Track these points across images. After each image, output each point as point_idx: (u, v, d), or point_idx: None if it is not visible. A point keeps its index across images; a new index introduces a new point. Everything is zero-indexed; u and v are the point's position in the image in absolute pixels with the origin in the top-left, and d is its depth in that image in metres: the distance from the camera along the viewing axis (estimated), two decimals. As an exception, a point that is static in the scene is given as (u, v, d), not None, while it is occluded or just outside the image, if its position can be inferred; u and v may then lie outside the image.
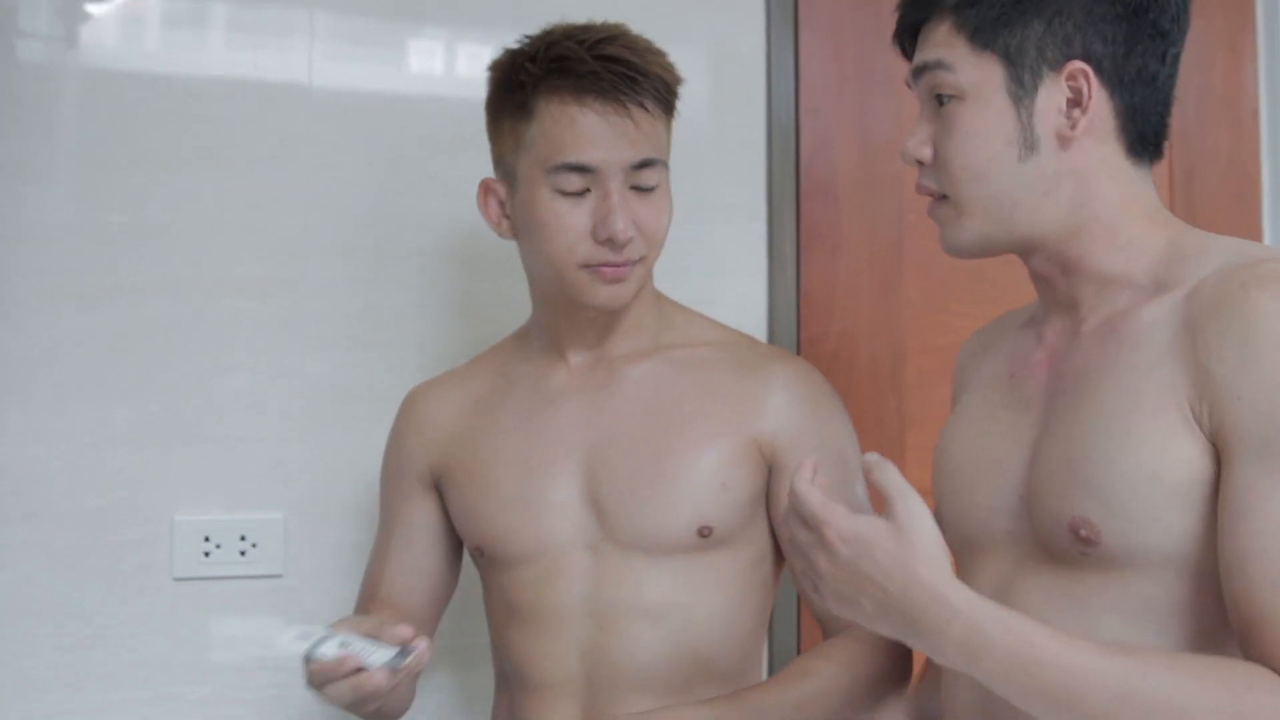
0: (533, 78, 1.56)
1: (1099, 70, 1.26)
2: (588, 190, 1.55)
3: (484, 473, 1.66)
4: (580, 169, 1.54)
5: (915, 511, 1.14)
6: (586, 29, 1.58)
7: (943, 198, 1.31)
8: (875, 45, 2.27)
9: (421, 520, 1.74)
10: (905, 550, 1.12)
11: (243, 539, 1.97)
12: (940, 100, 1.29)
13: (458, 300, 2.08)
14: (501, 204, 1.65)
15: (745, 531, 1.62)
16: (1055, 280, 1.32)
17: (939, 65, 1.28)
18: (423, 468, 1.73)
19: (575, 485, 1.62)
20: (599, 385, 1.66)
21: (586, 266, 1.56)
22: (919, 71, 1.31)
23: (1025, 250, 1.32)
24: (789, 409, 1.63)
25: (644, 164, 1.57)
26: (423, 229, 2.08)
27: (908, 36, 1.36)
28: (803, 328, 2.21)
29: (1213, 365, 1.14)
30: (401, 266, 2.06)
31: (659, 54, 1.61)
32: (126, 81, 1.98)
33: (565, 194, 1.55)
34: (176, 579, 1.96)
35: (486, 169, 2.08)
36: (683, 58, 2.15)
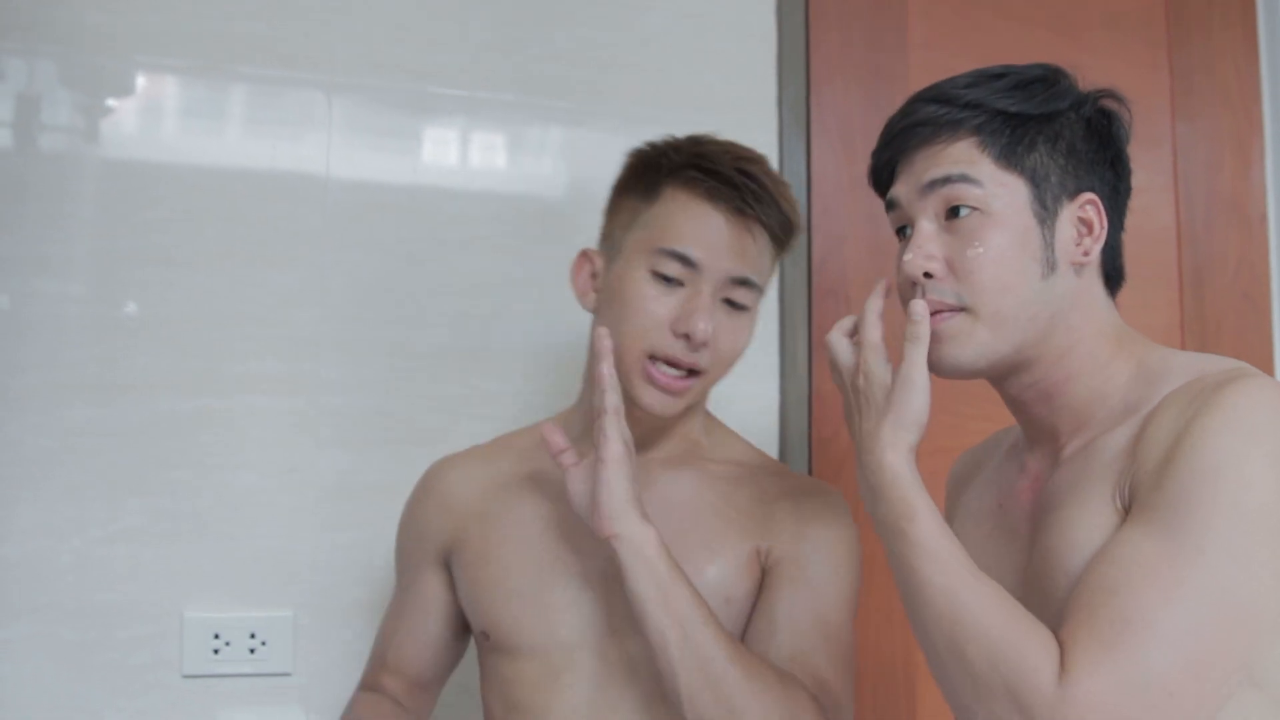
0: (671, 164, 1.58)
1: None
2: (681, 286, 1.54)
3: (497, 558, 1.64)
4: (684, 259, 1.53)
5: (907, 385, 1.28)
6: (738, 145, 1.61)
7: (959, 310, 1.31)
8: (886, 146, 2.30)
9: (432, 593, 1.73)
10: (886, 407, 1.28)
11: (252, 636, 1.97)
12: (955, 213, 1.31)
13: (469, 398, 2.09)
14: (594, 274, 1.64)
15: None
16: (1034, 407, 1.36)
17: (963, 179, 1.31)
18: (437, 543, 1.71)
19: (590, 586, 1.60)
20: None
21: (652, 358, 1.54)
22: (935, 184, 1.32)
23: (1012, 370, 1.34)
24: (795, 525, 1.60)
25: (744, 281, 1.56)
26: (435, 326, 2.09)
27: (900, 154, 1.39)
28: (814, 429, 2.21)
29: (1140, 451, 1.20)
30: (413, 364, 2.08)
31: (791, 196, 1.61)
32: (143, 172, 2.01)
33: (660, 279, 1.54)
34: (186, 676, 1.95)
35: (498, 265, 2.11)
36: (696, 160, 2.19)
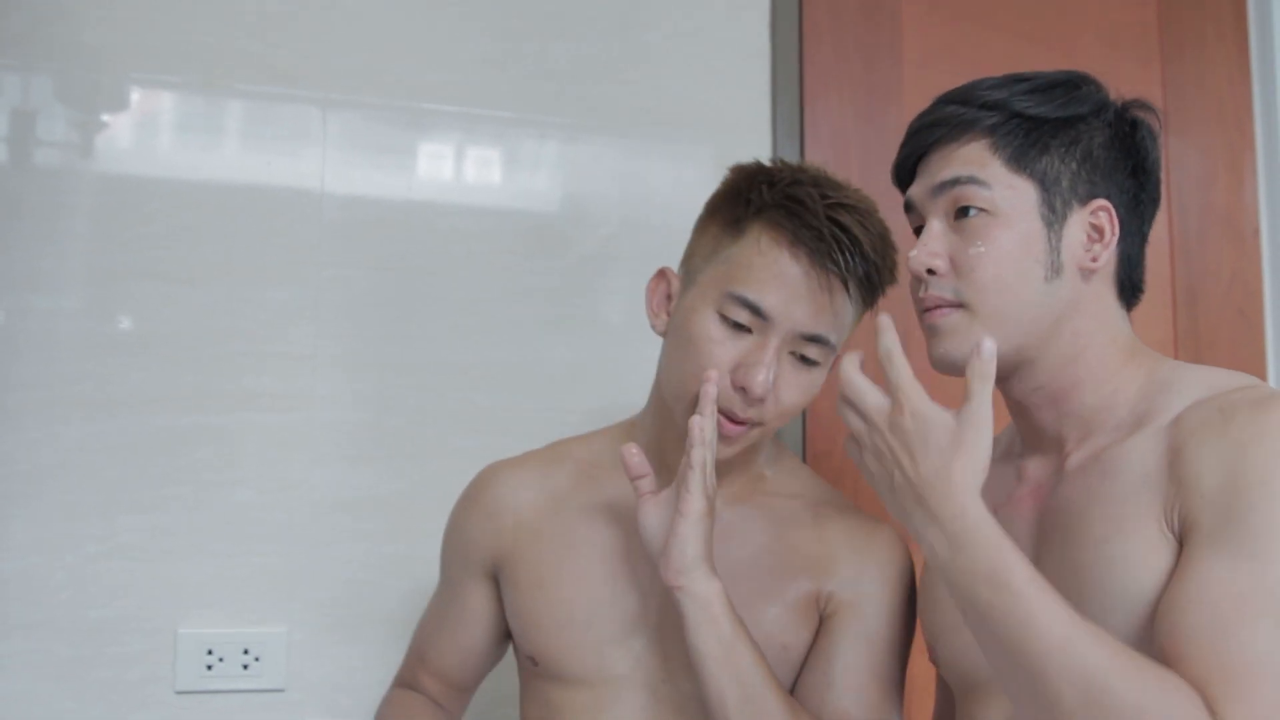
0: (761, 201, 1.48)
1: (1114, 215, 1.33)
2: (749, 333, 1.46)
3: (552, 583, 1.59)
4: (755, 309, 1.45)
5: (978, 423, 1.16)
6: (838, 186, 1.50)
7: (956, 306, 1.32)
8: (878, 160, 2.30)
9: (476, 604, 1.69)
10: (954, 447, 1.16)
11: (246, 652, 1.96)
12: (964, 213, 1.32)
13: (464, 415, 2.09)
14: (669, 297, 1.57)
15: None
16: (1040, 412, 1.35)
17: (972, 180, 1.32)
18: (485, 556, 1.66)
19: (645, 622, 1.56)
20: None
21: None
22: (945, 185, 1.33)
23: (1014, 371, 1.33)
24: (853, 568, 1.56)
25: (815, 339, 1.47)
26: (430, 341, 2.09)
27: (921, 152, 1.39)
28: (809, 444, 2.21)
29: (1188, 476, 1.18)
30: (407, 380, 2.07)
31: (890, 247, 1.51)
32: (138, 188, 2.01)
33: (726, 324, 1.46)
34: (179, 692, 1.95)
35: (489, 282, 2.11)
36: (690, 176, 2.20)
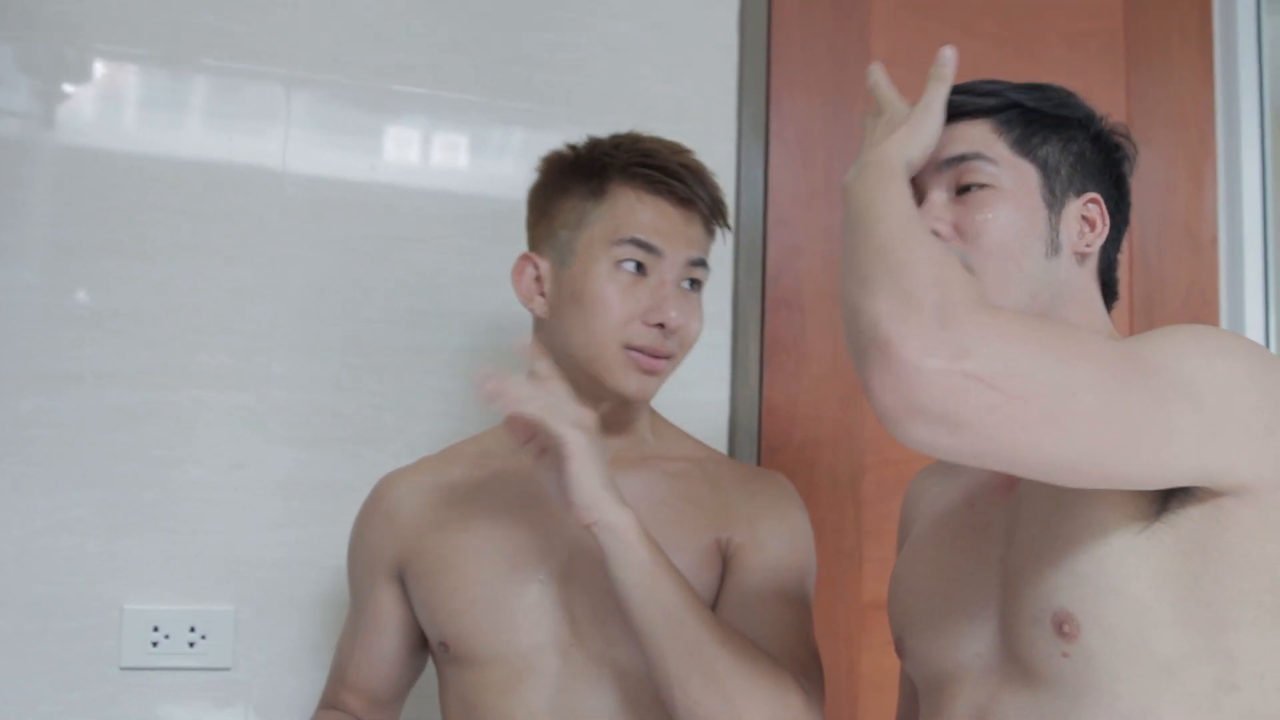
0: (616, 162, 1.63)
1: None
2: (645, 276, 1.60)
3: (454, 566, 1.63)
4: (648, 247, 1.59)
5: (922, 111, 1.32)
6: (663, 139, 1.69)
7: None
8: (843, 157, 2.31)
9: (386, 611, 1.72)
10: (900, 124, 1.30)
11: (192, 630, 1.96)
12: (966, 190, 1.35)
13: (422, 397, 2.08)
14: (539, 279, 1.65)
15: None
16: None
17: (979, 156, 1.35)
18: (388, 560, 1.70)
19: (550, 589, 1.60)
20: None
21: (629, 348, 1.58)
22: (953, 161, 1.36)
23: None
24: (752, 512, 1.63)
25: (700, 262, 1.64)
26: (388, 324, 2.08)
27: None
28: (764, 438, 2.22)
29: None
30: (365, 361, 2.07)
31: (717, 183, 1.70)
32: (99, 161, 1.99)
33: (623, 272, 1.59)
34: (124, 668, 1.94)
35: (458, 263, 2.11)
36: (654, 164, 2.19)
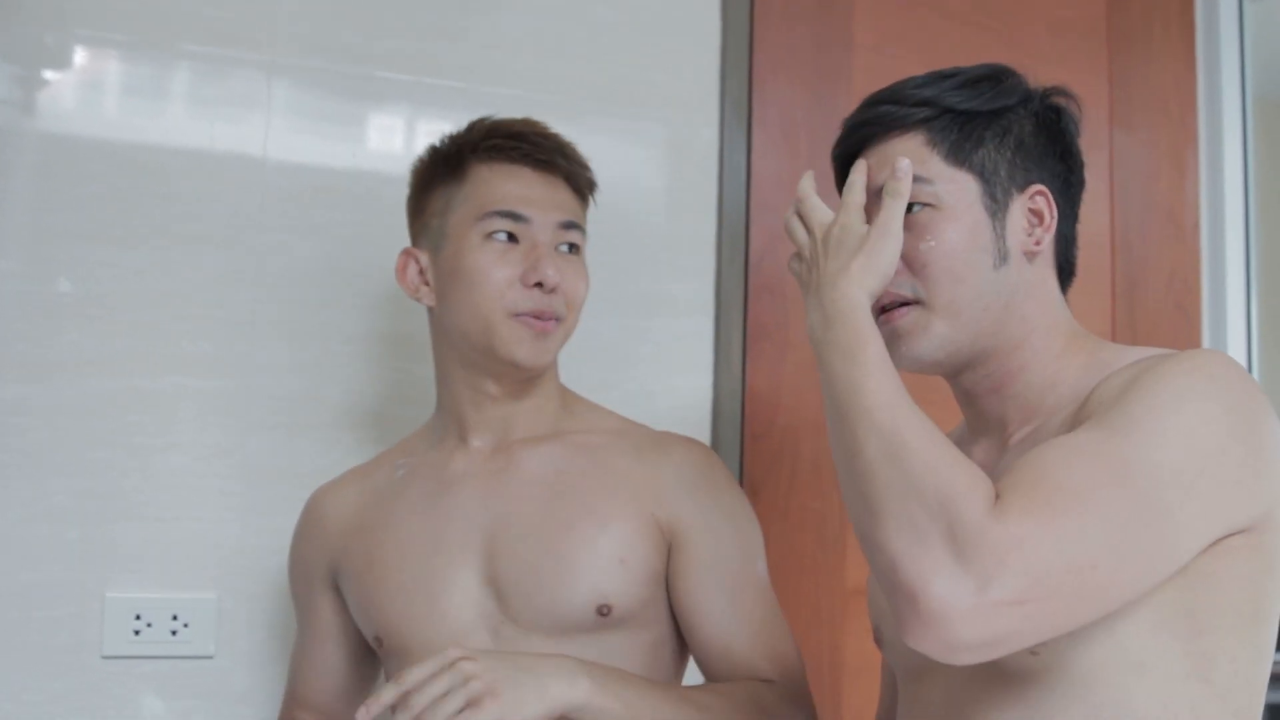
0: (470, 144, 1.68)
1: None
2: (516, 243, 1.63)
3: (381, 560, 1.66)
4: (513, 216, 1.62)
5: (882, 232, 1.30)
6: (521, 118, 1.72)
7: (912, 303, 1.34)
8: (827, 145, 2.29)
9: (326, 619, 1.76)
10: (858, 249, 1.30)
11: (174, 618, 1.95)
12: (908, 210, 1.33)
13: (401, 384, 2.08)
14: (421, 271, 1.69)
15: (645, 612, 1.61)
16: (985, 399, 1.38)
17: (914, 178, 1.33)
18: (321, 568, 1.74)
19: (474, 567, 1.61)
20: (499, 469, 1.67)
21: (515, 315, 1.61)
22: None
23: (971, 361, 1.36)
24: (687, 488, 1.64)
25: (571, 224, 1.67)
26: (370, 311, 2.08)
27: (855, 150, 1.41)
28: (747, 424, 2.22)
29: (1085, 411, 1.24)
30: (346, 348, 2.07)
31: (582, 155, 1.73)
32: (80, 148, 1.98)
33: (495, 242, 1.62)
34: (105, 657, 1.93)
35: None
36: (638, 154, 2.20)
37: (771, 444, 2.23)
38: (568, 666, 1.43)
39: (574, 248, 1.67)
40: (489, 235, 1.62)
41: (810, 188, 1.38)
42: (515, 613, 1.58)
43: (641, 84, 2.25)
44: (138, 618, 1.94)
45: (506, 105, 2.16)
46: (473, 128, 1.70)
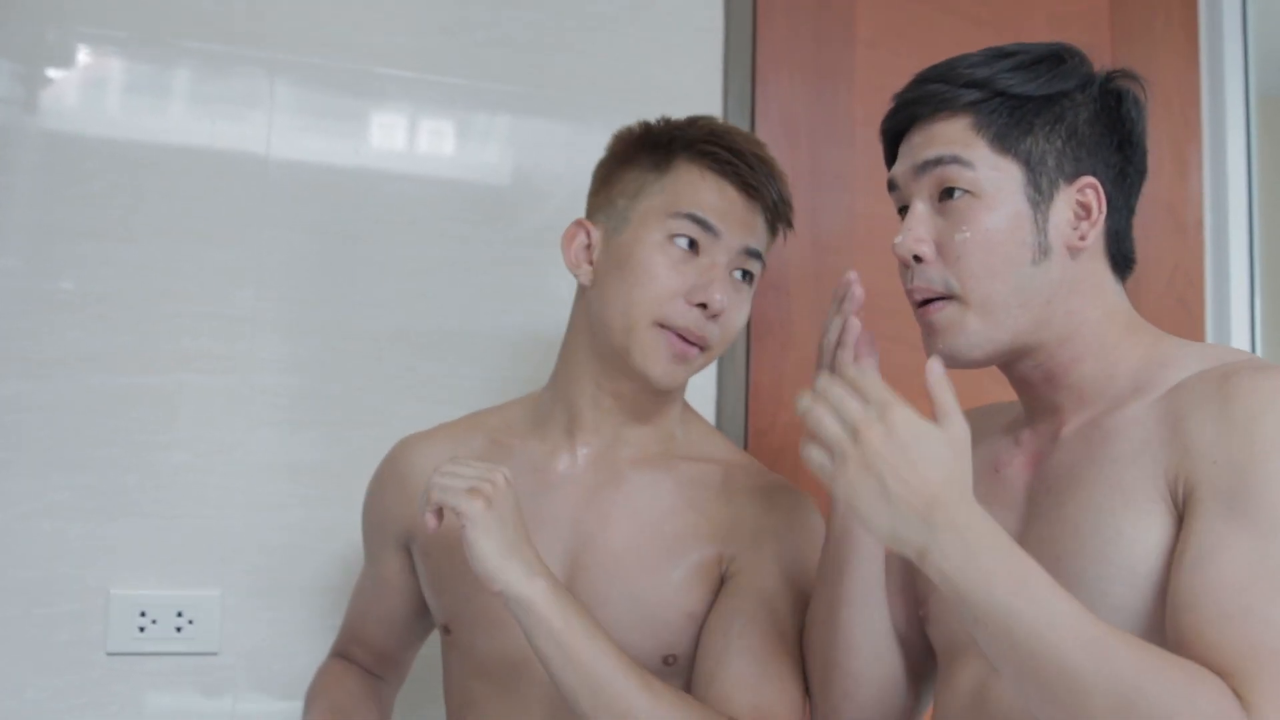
0: (684, 139, 1.59)
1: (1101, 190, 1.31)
2: (696, 255, 1.54)
3: (459, 550, 1.54)
4: (703, 224, 1.54)
5: (965, 435, 1.18)
6: (743, 130, 1.66)
7: (947, 298, 1.31)
8: (827, 138, 2.31)
9: (392, 576, 1.72)
10: (955, 457, 1.16)
11: (179, 615, 1.95)
12: (948, 194, 1.30)
13: (406, 381, 2.08)
14: (589, 246, 1.61)
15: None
16: (1039, 386, 1.35)
17: (955, 160, 1.30)
18: (397, 527, 1.68)
19: None
20: (600, 484, 1.61)
21: (663, 326, 1.52)
22: (929, 165, 1.32)
23: (1018, 356, 1.33)
24: (761, 532, 1.57)
25: (755, 253, 1.58)
26: (373, 308, 2.08)
27: (902, 128, 1.38)
28: (750, 420, 2.22)
29: (1192, 443, 1.18)
30: (350, 346, 2.06)
31: (789, 192, 1.63)
32: (82, 145, 1.98)
33: (675, 248, 1.53)
34: (110, 654, 1.93)
35: (434, 249, 2.10)
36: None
37: (775, 439, 2.23)
38: (541, 569, 1.40)
39: (749, 276, 1.58)
40: (672, 237, 1.53)
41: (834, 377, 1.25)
42: None
43: (643, 79, 2.24)
44: (142, 614, 1.94)
45: (508, 102, 2.17)
46: (694, 123, 1.61)
